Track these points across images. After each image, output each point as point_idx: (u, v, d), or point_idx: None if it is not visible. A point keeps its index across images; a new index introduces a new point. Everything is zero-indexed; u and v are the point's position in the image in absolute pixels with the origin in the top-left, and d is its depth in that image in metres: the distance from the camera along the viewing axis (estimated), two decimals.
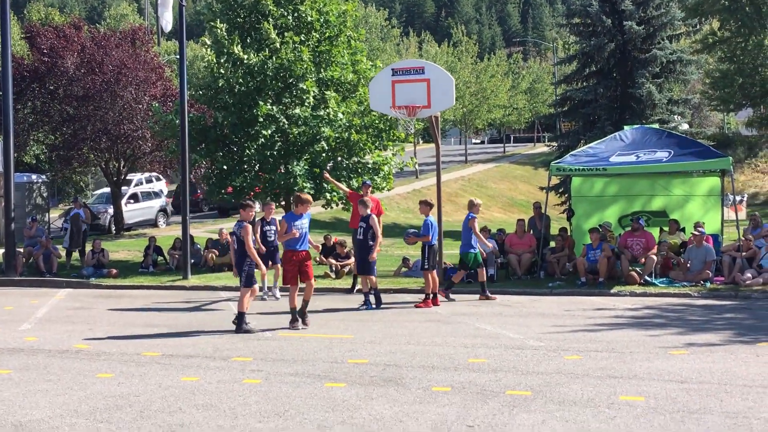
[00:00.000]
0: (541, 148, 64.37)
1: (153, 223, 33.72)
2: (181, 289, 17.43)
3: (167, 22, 20.16)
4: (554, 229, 20.88)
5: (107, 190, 33.21)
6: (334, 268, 18.97)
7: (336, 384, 8.24)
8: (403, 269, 18.99)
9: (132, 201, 33.43)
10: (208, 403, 7.52)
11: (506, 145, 75.15)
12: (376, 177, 21.65)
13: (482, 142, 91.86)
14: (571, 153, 19.50)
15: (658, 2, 36.78)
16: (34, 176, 29.80)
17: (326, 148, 20.61)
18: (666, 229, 18.30)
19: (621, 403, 7.33)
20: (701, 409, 7.09)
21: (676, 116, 38.37)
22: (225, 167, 20.92)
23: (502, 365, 9.09)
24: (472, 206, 15.48)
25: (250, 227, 11.68)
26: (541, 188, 33.61)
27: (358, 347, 10.33)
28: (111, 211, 31.63)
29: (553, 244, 18.59)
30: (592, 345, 10.26)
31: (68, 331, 11.79)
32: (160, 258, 21.58)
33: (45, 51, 29.87)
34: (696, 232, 16.49)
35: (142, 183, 38.24)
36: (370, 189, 16.85)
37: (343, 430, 6.67)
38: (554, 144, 40.55)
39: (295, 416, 7.05)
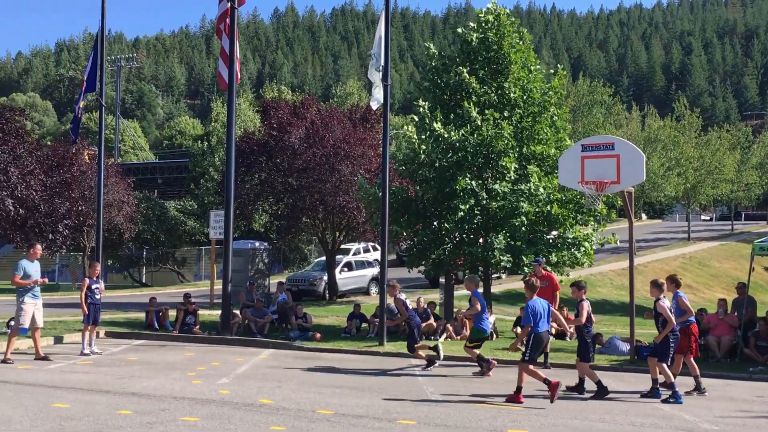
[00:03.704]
0: None
1: (365, 291, 35.05)
2: (375, 355, 18.09)
3: (377, 101, 21.15)
4: (762, 312, 19.80)
5: (324, 258, 35.00)
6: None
7: None
8: (597, 346, 18.68)
9: (346, 269, 34.99)
10: None
11: (735, 222, 71.52)
12: (576, 252, 21.58)
13: (710, 219, 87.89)
14: None
15: None
16: (257, 243, 31.98)
17: (525, 222, 20.84)
18: None
19: None
20: None
21: None
22: (425, 239, 21.65)
23: None
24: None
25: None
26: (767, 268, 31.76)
27: (522, 418, 10.45)
28: (326, 278, 33.31)
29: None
30: None
31: (259, 387, 12.71)
32: (363, 324, 22.46)
33: (275, 126, 32.34)
34: None
35: (360, 252, 40.02)
36: (542, 266, 16.95)
37: None
38: None
39: None
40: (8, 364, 15.01)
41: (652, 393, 12.52)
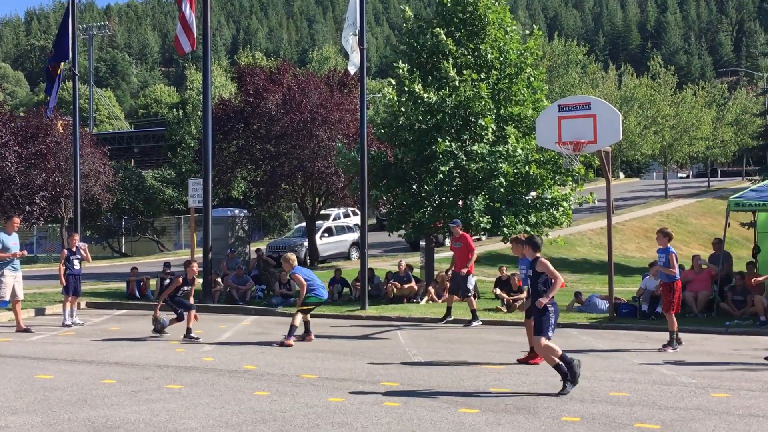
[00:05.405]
0: (747, 183, 61.34)
1: (346, 256, 35.11)
2: (358, 319, 18.20)
3: (354, 65, 20.84)
4: (741, 266, 20.02)
5: (304, 224, 34.97)
6: (505, 302, 19.16)
7: (470, 410, 8.56)
8: (576, 304, 18.90)
9: (326, 234, 35.01)
10: (344, 421, 8.06)
11: (712, 179, 72.08)
12: (555, 212, 21.72)
13: (687, 177, 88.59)
14: (751, 188, 18.74)
15: None
16: (237, 211, 31.85)
17: (504, 183, 20.89)
18: None
19: None
20: None
21: None
22: (405, 203, 21.68)
23: (643, 400, 9.07)
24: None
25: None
26: (743, 224, 32.08)
27: (504, 377, 10.58)
28: (306, 244, 33.31)
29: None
30: (745, 384, 9.98)
31: (242, 353, 12.76)
32: (345, 289, 22.53)
33: (251, 92, 32.09)
34: None
35: (339, 217, 40.03)
36: (459, 227, 16.57)
37: None
38: (757, 178, 38.67)
39: None
40: None
41: None
